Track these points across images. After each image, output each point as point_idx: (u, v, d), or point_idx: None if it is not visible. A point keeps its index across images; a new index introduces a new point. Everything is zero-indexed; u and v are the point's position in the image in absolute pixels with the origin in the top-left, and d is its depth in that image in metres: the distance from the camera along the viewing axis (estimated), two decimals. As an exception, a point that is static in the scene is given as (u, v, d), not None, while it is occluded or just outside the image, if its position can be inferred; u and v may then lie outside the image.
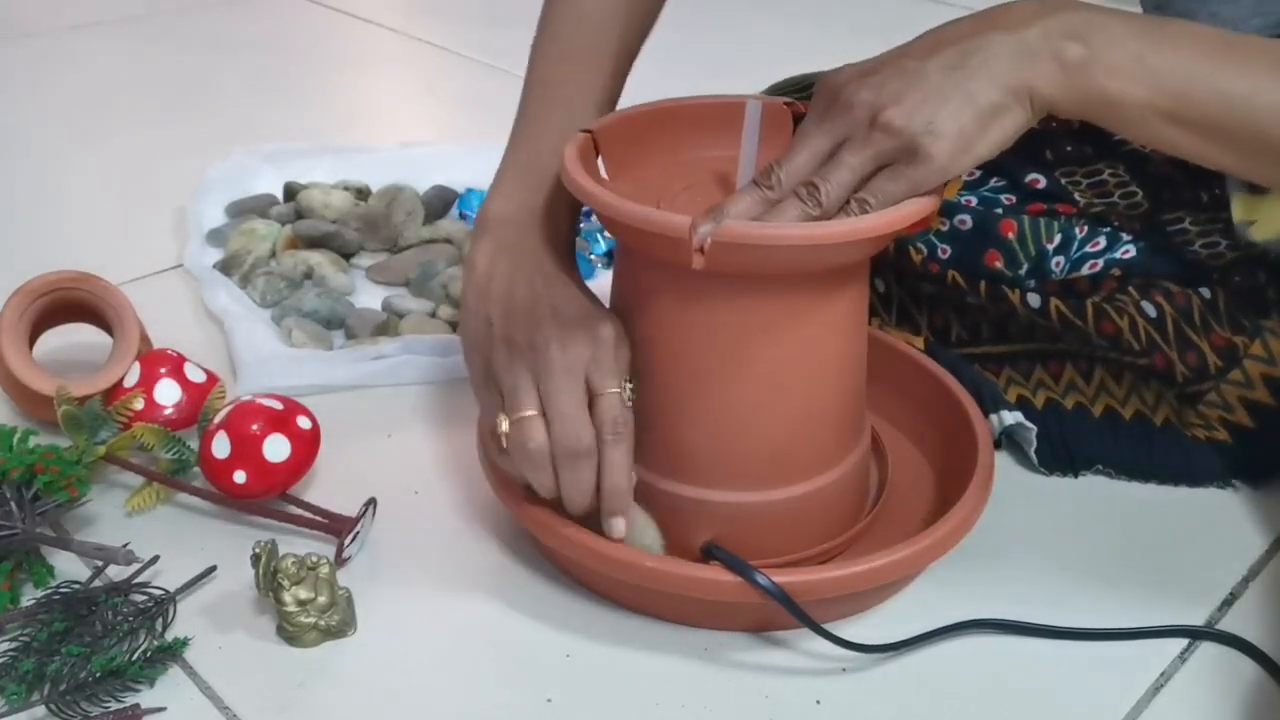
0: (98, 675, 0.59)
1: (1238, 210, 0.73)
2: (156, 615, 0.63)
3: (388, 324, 0.90)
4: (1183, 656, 0.64)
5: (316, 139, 1.23)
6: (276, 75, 1.53)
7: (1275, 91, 0.55)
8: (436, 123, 1.42)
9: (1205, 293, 0.73)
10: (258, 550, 0.62)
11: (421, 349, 0.86)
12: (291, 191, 1.08)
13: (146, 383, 0.77)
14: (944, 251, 0.78)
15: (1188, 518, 0.74)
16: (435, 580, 0.68)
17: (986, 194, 0.79)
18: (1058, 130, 0.79)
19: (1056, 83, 0.55)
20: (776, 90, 0.90)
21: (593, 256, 1.01)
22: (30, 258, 0.89)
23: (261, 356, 0.85)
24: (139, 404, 0.75)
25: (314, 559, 0.62)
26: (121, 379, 0.77)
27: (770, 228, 0.55)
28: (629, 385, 0.61)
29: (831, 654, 0.62)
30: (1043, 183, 0.78)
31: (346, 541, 0.67)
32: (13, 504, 0.66)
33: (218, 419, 0.71)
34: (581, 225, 1.06)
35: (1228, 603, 0.67)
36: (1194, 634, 0.65)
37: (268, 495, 0.70)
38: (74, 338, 0.85)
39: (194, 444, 0.73)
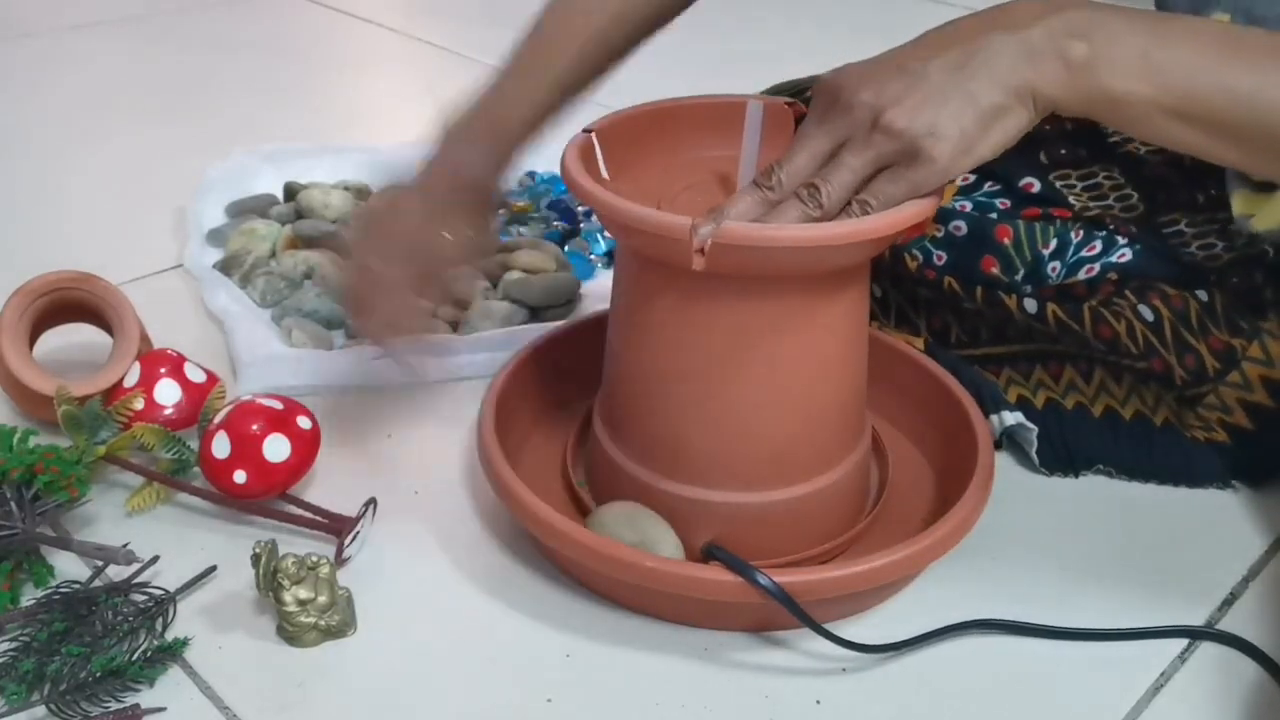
0: (98, 675, 0.59)
1: (1238, 205, 0.73)
2: (156, 615, 0.63)
3: (388, 324, 0.90)
4: (1183, 656, 0.64)
5: (316, 139, 1.23)
6: (276, 75, 1.53)
7: None
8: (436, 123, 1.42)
9: (1202, 295, 0.73)
10: (258, 550, 0.62)
11: (421, 349, 0.86)
12: (291, 191, 1.08)
13: (146, 383, 0.77)
14: (940, 258, 0.78)
15: (1188, 518, 0.74)
16: (435, 580, 0.68)
17: (981, 199, 0.79)
18: (1052, 133, 0.79)
19: (1060, 82, 0.55)
20: (776, 91, 0.90)
21: (593, 256, 1.01)
22: (30, 258, 0.89)
23: (261, 356, 0.85)
24: (139, 404, 0.75)
25: (314, 559, 0.62)
26: (121, 379, 0.77)
27: (771, 229, 0.55)
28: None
29: (831, 654, 0.62)
30: (1037, 186, 0.78)
31: (346, 541, 0.67)
32: (13, 504, 0.66)
33: (218, 419, 0.71)
34: (582, 225, 1.06)
35: (1228, 603, 0.67)
36: (1194, 634, 0.65)
37: (268, 495, 0.70)
38: (74, 338, 0.85)
39: (194, 444, 0.73)
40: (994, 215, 0.78)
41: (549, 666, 0.62)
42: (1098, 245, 0.75)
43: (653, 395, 0.64)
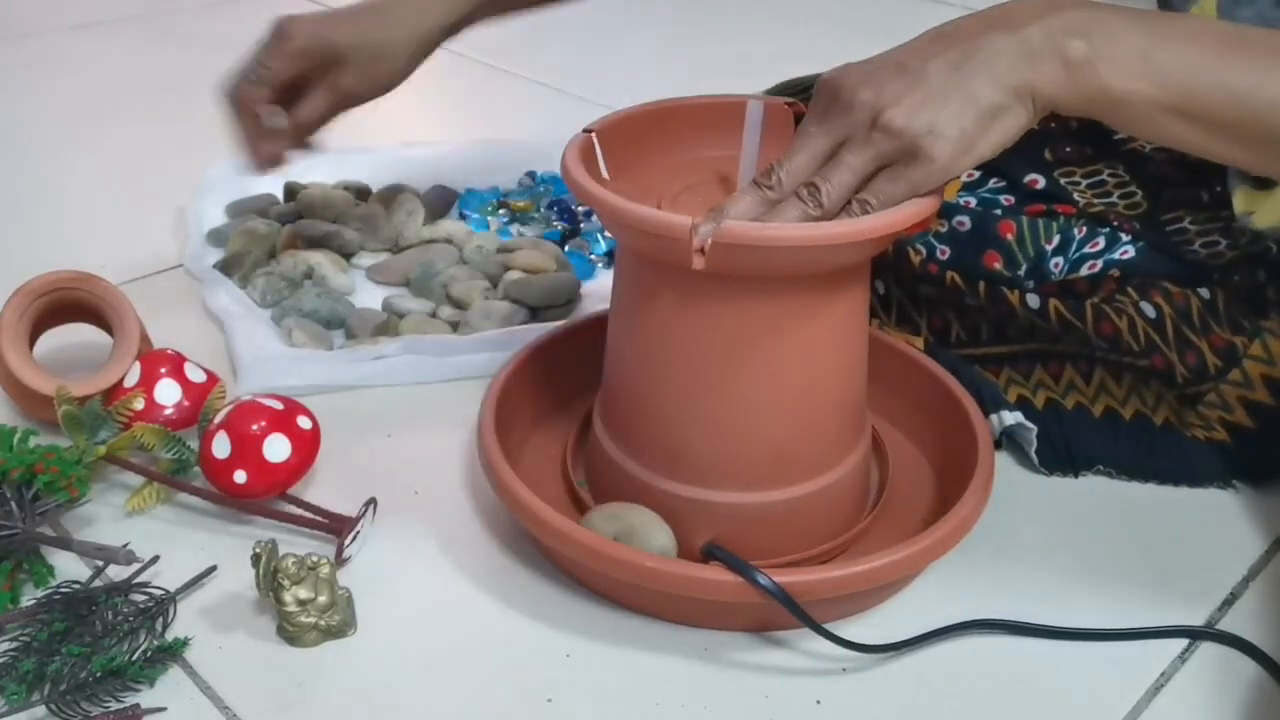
0: (98, 675, 0.59)
1: (1239, 202, 0.73)
2: (156, 615, 0.63)
3: (388, 324, 0.90)
4: (1183, 656, 0.64)
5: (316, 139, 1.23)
6: (276, 75, 1.53)
7: None
8: (436, 123, 1.42)
9: (1204, 293, 0.73)
10: (258, 550, 0.62)
11: (421, 349, 0.86)
12: (291, 191, 1.08)
13: (146, 383, 0.77)
14: (943, 253, 0.78)
15: (1188, 518, 0.74)
16: (435, 580, 0.68)
17: (985, 195, 0.79)
18: (1056, 130, 0.79)
19: (1059, 82, 0.55)
20: (777, 91, 0.90)
21: (593, 256, 1.01)
22: (30, 258, 0.89)
23: (261, 356, 0.85)
24: (139, 404, 0.75)
25: (314, 559, 0.62)
26: (121, 379, 0.77)
27: (771, 228, 0.55)
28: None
29: (831, 654, 0.62)
30: (1041, 183, 0.78)
31: (346, 541, 0.67)
32: (13, 504, 0.66)
33: (218, 419, 0.71)
34: (582, 225, 1.06)
35: (1228, 603, 0.67)
36: (1194, 634, 0.65)
37: (268, 495, 0.70)
38: (74, 338, 0.85)
39: (194, 444, 0.73)
40: (998, 211, 0.78)
41: (549, 666, 0.62)
42: (1101, 242, 0.75)
43: (653, 395, 0.64)
